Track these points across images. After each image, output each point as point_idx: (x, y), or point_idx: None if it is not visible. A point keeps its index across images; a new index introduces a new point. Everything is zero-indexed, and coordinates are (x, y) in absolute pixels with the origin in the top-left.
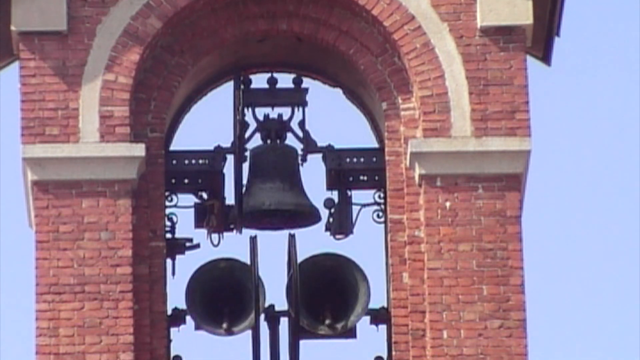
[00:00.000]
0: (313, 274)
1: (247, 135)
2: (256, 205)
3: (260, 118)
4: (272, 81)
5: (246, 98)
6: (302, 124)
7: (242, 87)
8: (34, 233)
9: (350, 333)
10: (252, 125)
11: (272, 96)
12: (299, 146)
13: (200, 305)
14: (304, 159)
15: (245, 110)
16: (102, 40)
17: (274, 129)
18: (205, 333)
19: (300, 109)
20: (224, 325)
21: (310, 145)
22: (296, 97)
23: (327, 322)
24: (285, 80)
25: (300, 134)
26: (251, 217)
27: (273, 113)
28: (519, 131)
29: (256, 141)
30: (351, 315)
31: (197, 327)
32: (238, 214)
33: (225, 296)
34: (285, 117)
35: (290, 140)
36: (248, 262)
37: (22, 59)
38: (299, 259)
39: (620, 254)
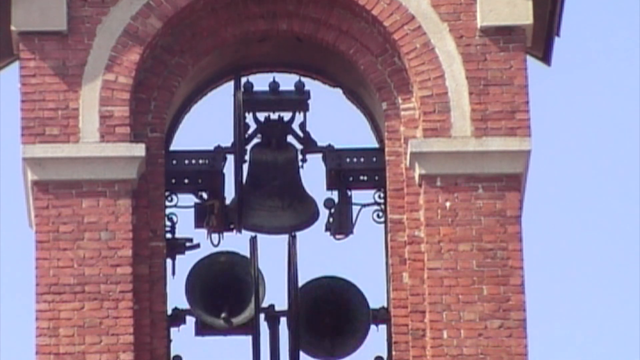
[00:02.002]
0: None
1: (247, 135)
2: (255, 226)
3: (261, 119)
4: (274, 85)
5: (247, 101)
6: (302, 125)
7: (242, 90)
8: (34, 233)
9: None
10: (253, 126)
11: (274, 100)
12: (299, 147)
13: (201, 300)
14: (304, 160)
15: (247, 113)
16: (102, 40)
17: (275, 131)
18: (206, 335)
19: (302, 113)
20: (223, 315)
21: (310, 146)
22: (298, 101)
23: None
24: (286, 82)
25: (301, 134)
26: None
27: (274, 115)
28: (519, 131)
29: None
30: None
31: (197, 331)
32: (238, 214)
33: (225, 291)
34: (286, 119)
35: (291, 141)
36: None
37: (22, 59)
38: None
39: (620, 254)
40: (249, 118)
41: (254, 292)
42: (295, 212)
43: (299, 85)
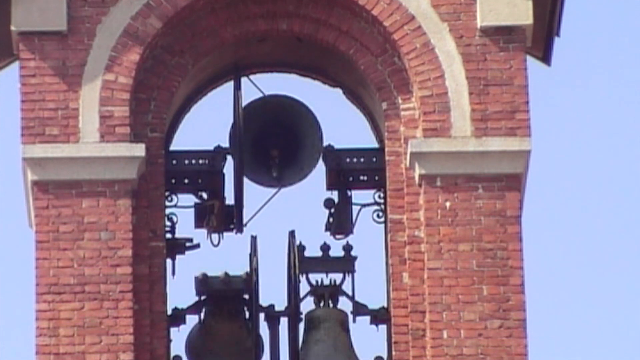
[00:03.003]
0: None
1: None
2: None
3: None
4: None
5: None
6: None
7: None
8: (34, 233)
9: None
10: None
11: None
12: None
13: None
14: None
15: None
16: (102, 40)
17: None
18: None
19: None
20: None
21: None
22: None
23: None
24: (286, 83)
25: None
26: None
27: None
28: (519, 131)
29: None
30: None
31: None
32: (238, 214)
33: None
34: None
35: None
36: None
37: (22, 59)
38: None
39: (620, 254)
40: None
41: (253, 295)
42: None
43: (348, 249)
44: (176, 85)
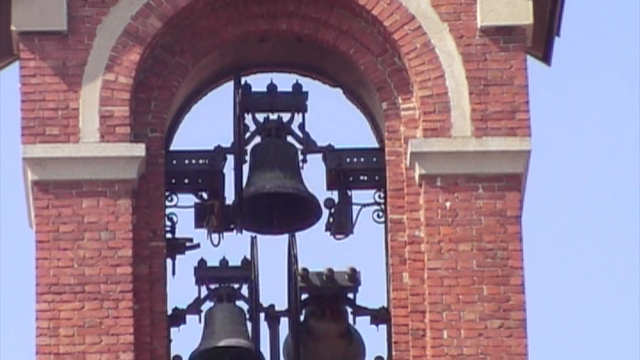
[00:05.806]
0: None
1: (247, 136)
2: (257, 190)
3: (260, 120)
4: (272, 86)
5: (245, 103)
6: (302, 126)
7: (240, 91)
8: (34, 233)
9: None
10: (252, 127)
11: (272, 101)
12: (299, 147)
13: None
14: (304, 160)
15: (245, 114)
16: (102, 40)
17: (274, 130)
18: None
19: (300, 114)
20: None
21: (310, 146)
22: (296, 102)
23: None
24: (286, 83)
25: (300, 135)
26: (252, 211)
27: (273, 116)
28: (519, 131)
29: (256, 142)
30: None
31: None
32: (238, 214)
33: None
34: (285, 120)
35: (291, 141)
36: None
37: (22, 59)
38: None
39: (620, 254)
40: (248, 119)
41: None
42: (297, 184)
43: (297, 87)
44: (176, 85)
